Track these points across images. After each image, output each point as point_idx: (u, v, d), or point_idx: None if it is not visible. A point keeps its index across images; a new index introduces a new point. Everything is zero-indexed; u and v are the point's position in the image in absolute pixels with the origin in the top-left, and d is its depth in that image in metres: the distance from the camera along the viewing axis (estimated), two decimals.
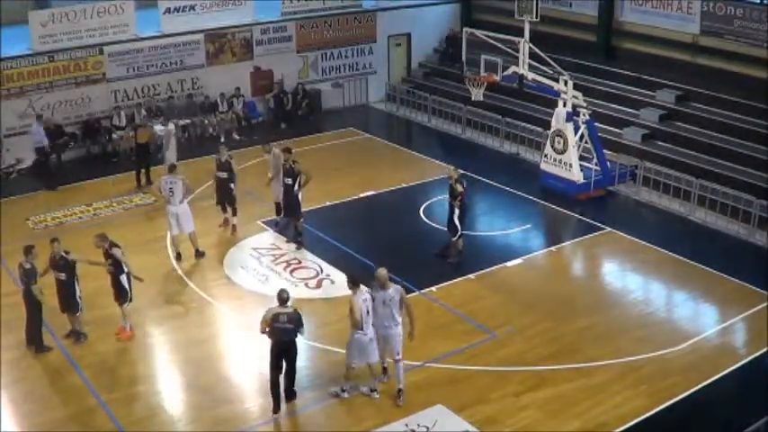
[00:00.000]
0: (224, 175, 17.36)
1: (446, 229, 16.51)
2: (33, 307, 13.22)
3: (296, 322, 11.53)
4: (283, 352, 11.74)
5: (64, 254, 13.32)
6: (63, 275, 13.34)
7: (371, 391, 12.21)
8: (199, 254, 16.62)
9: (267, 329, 11.50)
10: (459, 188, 15.95)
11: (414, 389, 12.29)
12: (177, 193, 16.15)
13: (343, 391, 12.17)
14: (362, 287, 11.67)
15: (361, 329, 11.58)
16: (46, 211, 19.12)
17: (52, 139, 21.60)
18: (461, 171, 16.47)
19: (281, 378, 11.83)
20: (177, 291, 15.39)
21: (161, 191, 16.55)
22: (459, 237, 16.26)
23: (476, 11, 29.03)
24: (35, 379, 12.81)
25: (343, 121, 25.80)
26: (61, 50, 22.27)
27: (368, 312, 11.57)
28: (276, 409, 11.80)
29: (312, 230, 17.23)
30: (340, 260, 16.37)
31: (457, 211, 16.03)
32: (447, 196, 16.36)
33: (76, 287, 13.48)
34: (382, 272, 11.71)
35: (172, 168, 16.72)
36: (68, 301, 13.50)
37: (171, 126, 21.18)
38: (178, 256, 16.50)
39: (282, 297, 11.56)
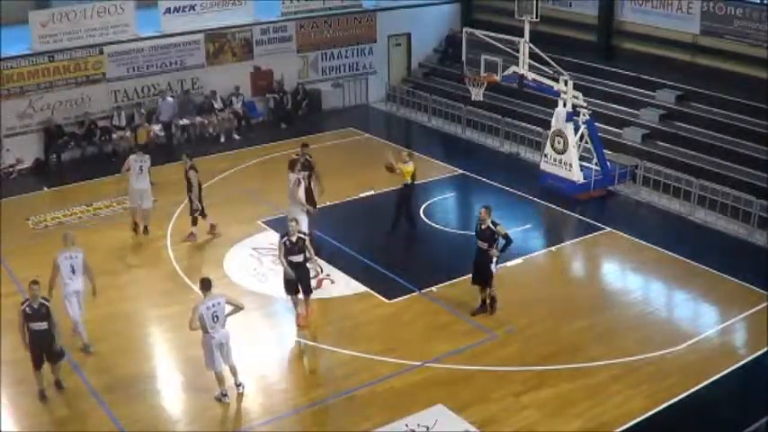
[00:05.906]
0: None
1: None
2: None
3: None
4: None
5: (44, 300, 11.73)
6: (45, 324, 11.62)
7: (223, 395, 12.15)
8: (147, 231, 17.53)
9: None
10: None
11: (414, 389, 12.31)
12: (145, 170, 17.28)
13: (224, 395, 12.13)
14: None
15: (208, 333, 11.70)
16: (46, 210, 19.11)
17: (53, 139, 21.57)
18: (461, 171, 16.36)
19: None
20: (177, 290, 15.37)
21: (129, 169, 17.19)
22: None
23: (476, 11, 29.01)
24: (35, 379, 12.73)
25: (343, 121, 25.78)
26: (61, 50, 22.23)
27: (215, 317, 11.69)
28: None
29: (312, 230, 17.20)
30: (340, 260, 16.38)
31: None
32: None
33: (55, 333, 11.83)
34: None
35: (142, 148, 18.38)
36: (53, 350, 11.93)
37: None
38: (145, 230, 17.46)
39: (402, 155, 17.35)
